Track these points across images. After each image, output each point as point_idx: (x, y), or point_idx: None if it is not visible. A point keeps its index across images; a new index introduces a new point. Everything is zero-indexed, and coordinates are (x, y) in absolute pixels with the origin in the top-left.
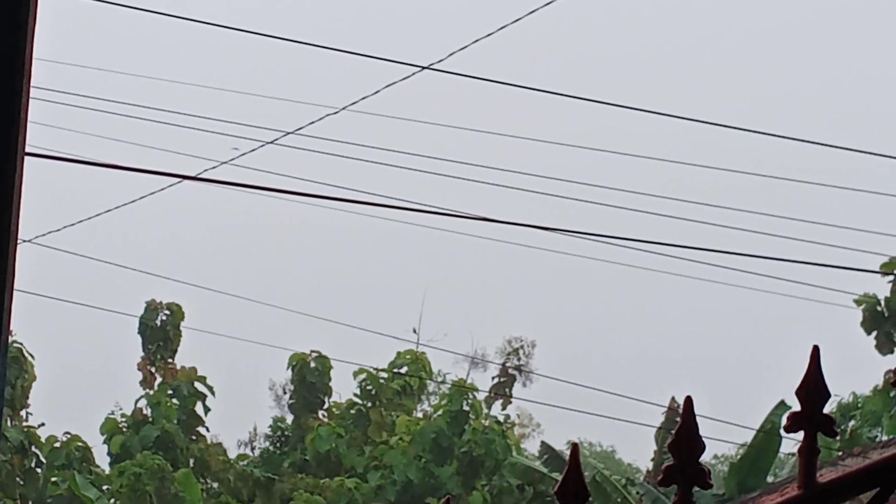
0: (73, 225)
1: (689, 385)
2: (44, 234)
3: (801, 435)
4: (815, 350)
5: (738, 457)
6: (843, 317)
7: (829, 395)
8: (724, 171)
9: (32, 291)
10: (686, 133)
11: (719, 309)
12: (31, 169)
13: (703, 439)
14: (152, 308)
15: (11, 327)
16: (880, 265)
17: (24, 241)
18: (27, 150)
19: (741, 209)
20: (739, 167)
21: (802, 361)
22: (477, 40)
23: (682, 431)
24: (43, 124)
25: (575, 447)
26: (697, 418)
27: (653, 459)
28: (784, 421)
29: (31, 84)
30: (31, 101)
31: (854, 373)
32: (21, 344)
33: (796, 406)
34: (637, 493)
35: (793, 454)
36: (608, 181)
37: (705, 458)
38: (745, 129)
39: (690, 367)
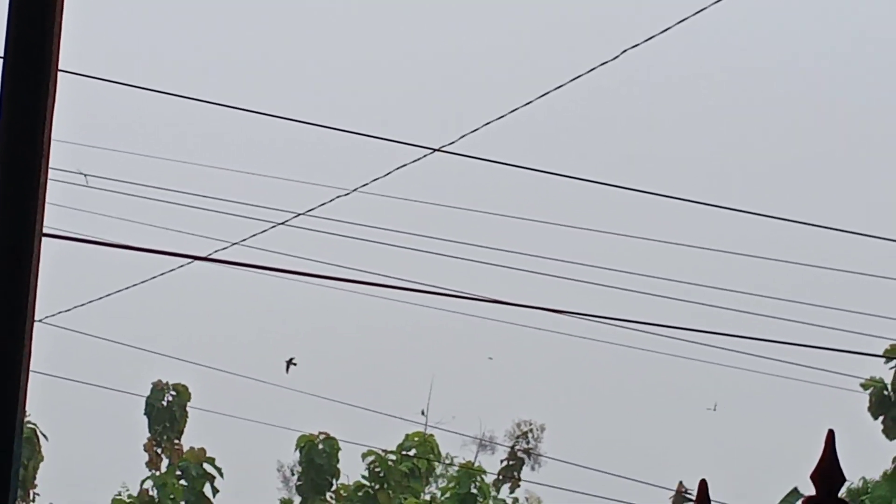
0: (82, 305)
1: (697, 469)
2: (54, 315)
3: None
4: (830, 434)
5: None
6: (849, 401)
7: (844, 480)
8: (729, 255)
9: (42, 371)
10: (692, 216)
11: (727, 393)
12: (44, 249)
13: None
14: (158, 389)
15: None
16: (884, 350)
17: (36, 321)
18: (44, 230)
19: (743, 291)
20: (743, 250)
21: (811, 445)
22: (488, 122)
23: None
24: (58, 205)
25: None
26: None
27: None
28: None
29: (50, 165)
30: (48, 181)
31: (862, 457)
32: (35, 424)
33: (809, 491)
34: None
35: None
36: (618, 264)
37: None
38: (745, 211)
39: (699, 451)
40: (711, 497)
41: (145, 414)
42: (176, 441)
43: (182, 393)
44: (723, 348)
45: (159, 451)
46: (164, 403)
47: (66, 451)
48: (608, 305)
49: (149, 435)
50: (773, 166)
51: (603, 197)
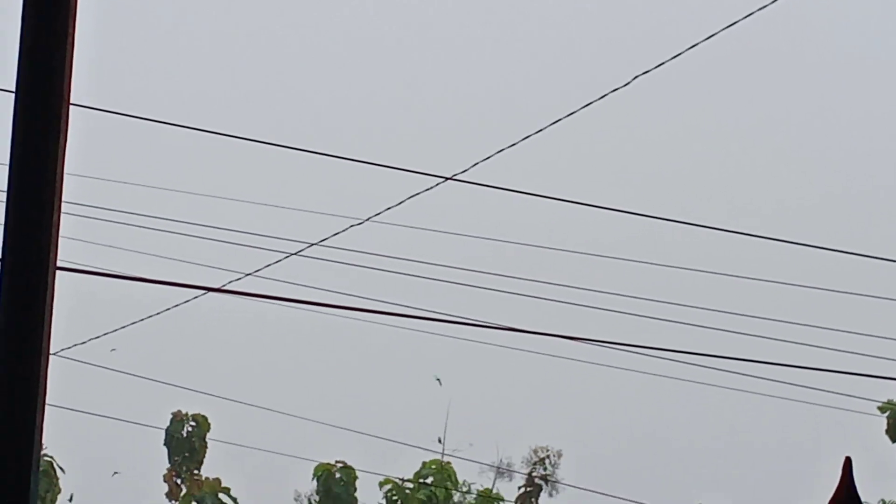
0: (98, 338)
1: (714, 496)
2: (69, 347)
3: None
4: (848, 462)
5: None
6: (867, 424)
7: None
8: (744, 279)
9: (59, 405)
10: (711, 241)
11: (744, 418)
12: (58, 282)
13: None
14: (178, 419)
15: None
16: None
17: (51, 354)
18: (58, 264)
19: (758, 316)
20: (760, 275)
21: (829, 470)
22: (501, 150)
23: None
24: (71, 238)
25: None
26: None
27: None
28: None
29: (63, 199)
30: (62, 215)
31: (881, 481)
32: (51, 457)
33: None
34: None
35: None
36: (634, 290)
37: None
38: (766, 237)
39: (717, 477)
40: None
41: (165, 444)
42: (196, 472)
43: (202, 423)
44: (739, 373)
45: (179, 481)
46: (184, 434)
47: (84, 483)
48: (625, 332)
49: (168, 466)
50: (795, 194)
51: (618, 223)
